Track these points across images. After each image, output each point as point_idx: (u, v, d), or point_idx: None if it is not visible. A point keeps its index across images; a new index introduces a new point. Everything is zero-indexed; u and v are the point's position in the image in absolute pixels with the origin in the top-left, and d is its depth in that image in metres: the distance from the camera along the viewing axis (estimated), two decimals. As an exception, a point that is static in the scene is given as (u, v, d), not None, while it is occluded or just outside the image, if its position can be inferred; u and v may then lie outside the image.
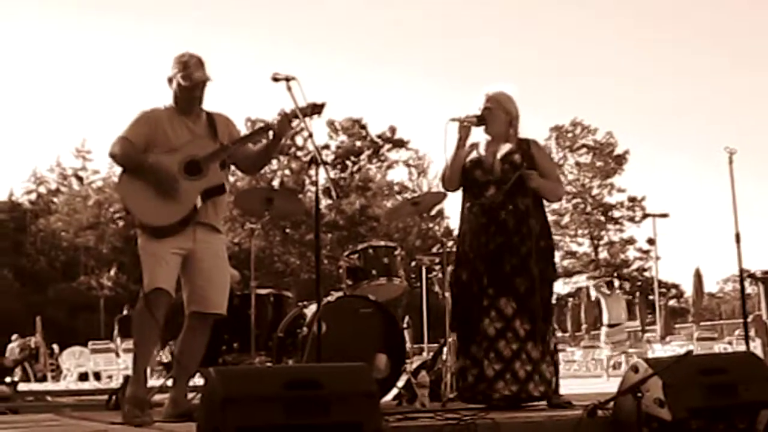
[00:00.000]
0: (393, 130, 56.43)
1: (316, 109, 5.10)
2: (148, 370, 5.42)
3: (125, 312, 19.92)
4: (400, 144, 56.71)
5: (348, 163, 56.05)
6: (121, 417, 4.88)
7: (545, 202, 5.71)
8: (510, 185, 5.44)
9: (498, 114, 5.61)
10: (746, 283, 9.43)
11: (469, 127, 5.59)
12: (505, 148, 5.58)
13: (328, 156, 53.71)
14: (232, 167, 5.45)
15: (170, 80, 5.18)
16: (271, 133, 5.26)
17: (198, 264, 5.10)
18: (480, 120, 5.59)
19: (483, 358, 5.36)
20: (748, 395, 3.98)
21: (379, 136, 56.63)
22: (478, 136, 5.71)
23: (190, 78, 5.10)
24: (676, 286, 56.54)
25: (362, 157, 56.71)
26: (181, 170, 5.04)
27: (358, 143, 56.33)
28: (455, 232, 6.20)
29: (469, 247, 5.60)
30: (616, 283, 18.42)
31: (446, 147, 5.56)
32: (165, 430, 4.41)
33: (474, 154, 5.66)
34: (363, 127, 56.33)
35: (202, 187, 5.04)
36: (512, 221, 5.47)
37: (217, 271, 5.19)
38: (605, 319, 16.54)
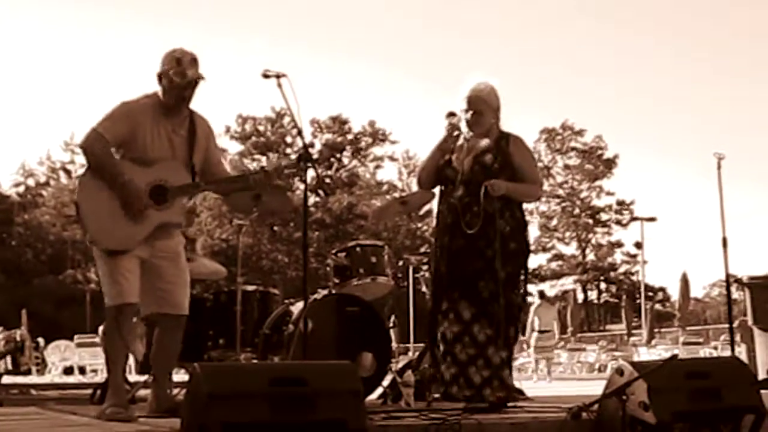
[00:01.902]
0: (373, 124, 56.37)
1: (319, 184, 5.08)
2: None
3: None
4: (381, 138, 56.62)
5: (332, 160, 56.03)
6: (103, 420, 4.71)
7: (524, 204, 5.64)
8: (482, 206, 5.34)
9: (482, 116, 5.50)
10: (732, 288, 9.44)
11: (456, 138, 5.52)
12: (480, 146, 5.49)
13: (313, 154, 53.64)
14: None
15: (160, 77, 4.92)
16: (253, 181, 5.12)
17: (159, 268, 4.94)
18: (455, 127, 5.53)
19: (441, 361, 5.35)
20: (732, 400, 4.00)
21: (359, 132, 56.59)
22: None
23: (184, 75, 4.85)
24: (662, 290, 56.73)
25: (345, 153, 56.70)
26: (147, 192, 4.81)
27: (340, 140, 56.29)
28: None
29: (437, 246, 5.57)
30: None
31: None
32: (150, 426, 4.40)
33: (449, 153, 5.58)
34: (344, 123, 56.27)
35: (161, 219, 4.84)
36: (477, 224, 5.36)
37: (180, 272, 5.04)
38: (536, 326, 17.61)
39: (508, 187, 5.38)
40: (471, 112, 5.50)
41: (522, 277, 5.53)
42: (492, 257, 5.32)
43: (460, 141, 5.59)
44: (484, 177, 5.36)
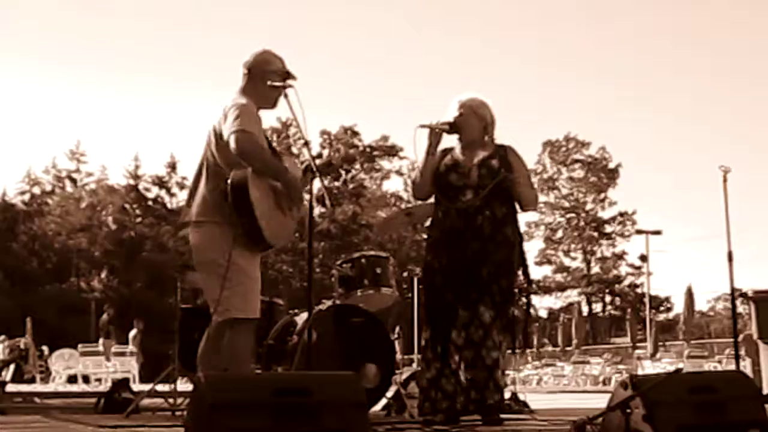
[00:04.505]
0: (386, 138, 56.42)
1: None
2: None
3: (106, 315, 20.59)
4: (393, 152, 56.63)
5: (341, 171, 56.04)
6: None
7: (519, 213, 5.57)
8: (489, 189, 5.29)
9: (471, 121, 5.46)
10: (737, 302, 9.42)
11: (440, 134, 5.45)
12: (482, 153, 5.44)
13: (321, 166, 53.66)
14: None
15: (263, 74, 4.91)
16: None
17: None
18: (452, 127, 5.46)
19: (458, 368, 5.16)
20: (737, 414, 3.98)
21: (371, 147, 56.62)
22: (452, 142, 5.57)
23: (293, 76, 4.92)
24: (667, 299, 56.55)
25: (355, 165, 56.70)
26: None
27: (351, 151, 56.30)
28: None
29: (443, 252, 5.42)
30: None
31: (416, 153, 5.44)
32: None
33: (448, 158, 5.49)
34: (356, 134, 56.31)
35: (300, 213, 4.93)
36: (488, 227, 5.31)
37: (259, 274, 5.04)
38: None
39: (520, 183, 5.40)
40: (460, 113, 5.47)
41: (517, 289, 5.49)
42: (500, 262, 5.29)
43: (457, 150, 5.55)
44: (492, 181, 5.35)
